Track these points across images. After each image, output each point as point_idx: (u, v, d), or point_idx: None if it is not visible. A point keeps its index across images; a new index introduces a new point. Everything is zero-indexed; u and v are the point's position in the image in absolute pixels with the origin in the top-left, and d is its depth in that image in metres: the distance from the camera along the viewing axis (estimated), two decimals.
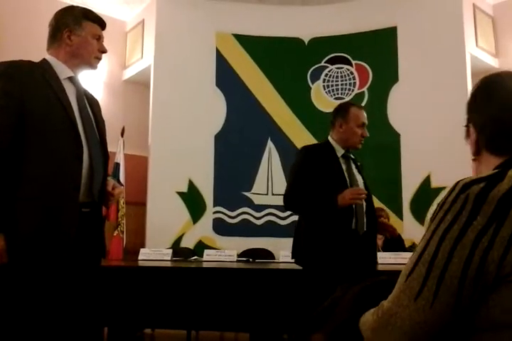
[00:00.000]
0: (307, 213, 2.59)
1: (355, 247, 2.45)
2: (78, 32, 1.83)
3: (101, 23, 1.92)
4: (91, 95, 1.93)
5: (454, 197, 0.75)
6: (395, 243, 4.36)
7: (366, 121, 2.65)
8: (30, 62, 1.76)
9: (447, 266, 0.70)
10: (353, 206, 2.47)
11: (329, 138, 2.67)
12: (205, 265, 3.74)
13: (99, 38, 1.90)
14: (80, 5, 2.02)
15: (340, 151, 2.61)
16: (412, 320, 0.71)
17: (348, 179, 2.54)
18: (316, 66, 5.84)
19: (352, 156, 2.69)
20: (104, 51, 1.92)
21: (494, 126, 0.91)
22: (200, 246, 5.21)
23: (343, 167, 2.57)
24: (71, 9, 1.88)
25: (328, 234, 2.45)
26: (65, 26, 1.82)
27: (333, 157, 2.58)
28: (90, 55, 1.86)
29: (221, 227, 5.54)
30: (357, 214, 2.49)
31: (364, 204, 2.56)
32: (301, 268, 2.66)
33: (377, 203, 5.08)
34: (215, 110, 5.74)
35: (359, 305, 0.85)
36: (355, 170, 2.63)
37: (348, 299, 0.89)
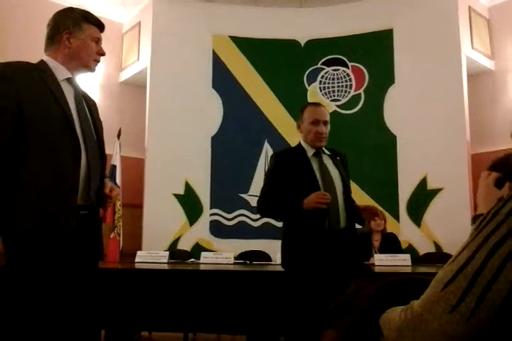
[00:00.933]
0: (277, 217, 2.62)
1: (330, 246, 2.43)
2: (78, 34, 1.82)
3: (100, 26, 1.92)
4: (89, 97, 1.93)
5: (510, 209, 0.69)
6: (391, 244, 4.37)
7: (321, 118, 2.59)
8: (27, 63, 1.75)
9: (492, 284, 0.65)
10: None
11: (300, 140, 2.69)
12: (202, 267, 3.73)
13: (98, 41, 1.89)
14: (77, 6, 2.01)
15: (310, 151, 2.61)
16: (443, 331, 0.68)
17: (319, 177, 2.52)
18: (313, 68, 5.85)
19: (327, 152, 2.66)
20: (103, 54, 1.92)
21: None
22: (197, 249, 5.20)
23: (314, 166, 2.56)
24: (71, 11, 1.87)
25: (300, 236, 2.46)
26: (64, 28, 1.81)
27: (303, 158, 2.58)
28: (89, 57, 1.86)
29: (218, 229, 5.53)
30: (330, 213, 2.46)
31: (342, 199, 2.54)
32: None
33: (373, 204, 5.11)
34: (211, 112, 5.74)
35: (375, 305, 0.83)
36: (331, 166, 2.60)
37: (364, 297, 0.88)
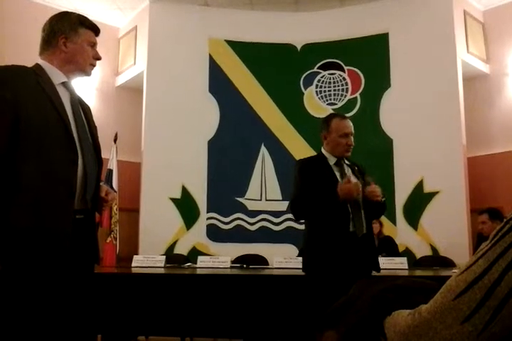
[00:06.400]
0: (312, 213, 2.65)
1: (354, 249, 2.50)
2: (74, 39, 1.82)
3: (96, 30, 1.92)
4: (83, 101, 1.92)
5: None
6: (388, 248, 4.38)
7: (350, 131, 2.70)
8: (24, 67, 1.74)
9: (509, 298, 0.63)
10: (349, 209, 2.55)
11: (322, 149, 2.78)
12: (198, 271, 3.72)
13: (94, 45, 1.90)
14: (73, 11, 2.01)
15: (332, 160, 2.70)
16: None
17: None
18: (309, 72, 5.87)
19: (347, 162, 2.74)
20: (99, 58, 1.92)
21: None
22: (194, 253, 5.19)
23: (337, 174, 2.65)
24: (67, 15, 1.87)
25: (326, 237, 2.53)
26: (60, 32, 1.81)
27: (326, 166, 2.67)
28: (86, 62, 1.86)
29: (215, 233, 5.53)
30: (354, 217, 2.55)
31: (362, 207, 2.62)
32: (300, 274, 2.68)
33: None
34: (208, 116, 5.75)
35: (378, 307, 0.82)
36: (351, 176, 2.67)
37: (367, 299, 0.87)
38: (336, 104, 5.77)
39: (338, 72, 5.82)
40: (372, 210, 2.66)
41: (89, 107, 1.95)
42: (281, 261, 3.97)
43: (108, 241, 5.04)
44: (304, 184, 2.64)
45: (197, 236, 5.50)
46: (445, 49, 5.33)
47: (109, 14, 6.06)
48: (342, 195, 2.47)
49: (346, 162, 2.75)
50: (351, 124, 2.74)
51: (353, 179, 2.66)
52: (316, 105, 5.79)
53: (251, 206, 5.61)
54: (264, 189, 5.65)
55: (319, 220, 2.60)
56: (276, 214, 5.43)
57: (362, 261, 2.52)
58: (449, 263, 4.34)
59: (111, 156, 5.30)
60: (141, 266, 3.96)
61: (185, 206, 5.54)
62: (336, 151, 2.69)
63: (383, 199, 2.63)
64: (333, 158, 2.70)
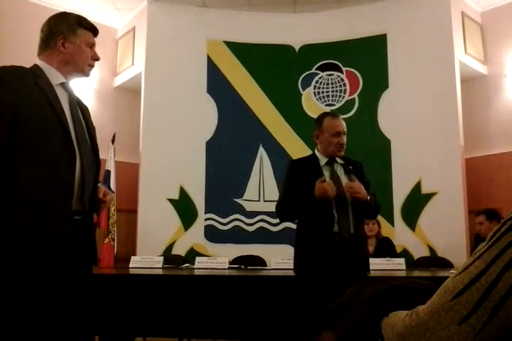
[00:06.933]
0: (294, 216, 2.72)
1: (339, 250, 2.48)
2: (73, 39, 1.83)
3: (94, 31, 1.92)
4: (81, 102, 1.93)
5: None
6: (386, 248, 4.38)
7: (342, 129, 2.67)
8: (22, 67, 1.74)
9: (506, 299, 0.63)
10: (334, 210, 2.52)
11: (315, 149, 2.77)
12: (196, 272, 3.72)
13: (93, 46, 1.90)
14: (71, 12, 2.01)
15: (323, 160, 2.68)
16: None
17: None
18: (307, 73, 5.87)
19: (340, 161, 2.71)
20: (97, 59, 1.92)
21: None
22: (192, 254, 5.18)
23: (326, 174, 2.62)
24: (65, 16, 1.87)
25: (310, 239, 2.53)
26: (59, 33, 1.81)
27: (316, 167, 2.65)
28: (84, 62, 1.86)
29: (213, 234, 5.52)
30: (339, 218, 2.52)
31: (351, 207, 2.58)
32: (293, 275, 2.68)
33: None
34: (206, 117, 5.75)
35: (375, 308, 0.82)
36: (343, 176, 2.66)
37: (364, 300, 0.87)
38: (333, 105, 5.78)
39: (336, 73, 5.83)
40: (361, 210, 2.61)
41: (87, 108, 1.95)
42: (279, 262, 3.98)
43: (106, 242, 5.03)
44: (289, 187, 2.65)
45: (195, 237, 5.50)
46: (443, 50, 5.34)
47: (107, 15, 6.05)
48: (318, 194, 2.45)
49: (339, 161, 2.72)
50: (343, 123, 2.70)
51: (344, 178, 2.64)
52: (314, 106, 5.80)
53: (249, 207, 5.60)
54: (262, 190, 5.65)
55: (304, 222, 2.60)
56: (274, 214, 5.41)
57: (349, 261, 2.48)
58: (446, 264, 4.34)
59: (109, 157, 5.29)
60: (139, 267, 3.96)
61: (183, 207, 5.54)
62: (328, 151, 2.66)
63: (368, 198, 2.57)
64: (325, 158, 2.68)
